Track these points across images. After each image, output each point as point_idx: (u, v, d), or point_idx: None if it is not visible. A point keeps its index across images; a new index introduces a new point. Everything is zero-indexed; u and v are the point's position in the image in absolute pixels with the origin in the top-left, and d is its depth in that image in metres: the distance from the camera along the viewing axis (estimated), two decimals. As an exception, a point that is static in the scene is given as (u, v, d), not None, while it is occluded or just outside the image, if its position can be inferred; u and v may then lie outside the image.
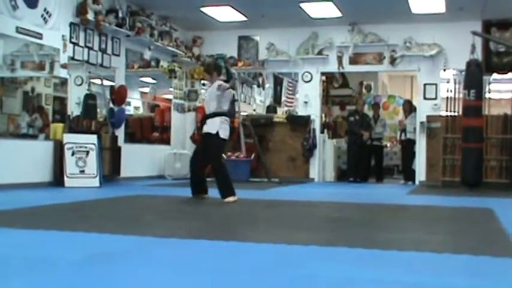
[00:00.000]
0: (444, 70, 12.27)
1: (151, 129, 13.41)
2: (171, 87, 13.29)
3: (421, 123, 12.25)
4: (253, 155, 12.10)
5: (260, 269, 3.23)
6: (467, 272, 3.30)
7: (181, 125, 13.33)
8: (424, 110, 12.30)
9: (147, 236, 4.24)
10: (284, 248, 3.90)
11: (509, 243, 4.27)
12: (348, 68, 12.89)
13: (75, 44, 9.89)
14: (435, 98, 12.23)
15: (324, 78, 13.69)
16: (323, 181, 12.80)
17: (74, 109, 10.48)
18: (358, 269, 3.27)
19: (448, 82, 12.60)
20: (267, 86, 15.62)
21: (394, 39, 12.35)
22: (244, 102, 15.33)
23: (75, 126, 10.00)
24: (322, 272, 3.16)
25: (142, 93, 16.60)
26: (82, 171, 9.29)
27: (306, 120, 12.78)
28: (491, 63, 11.89)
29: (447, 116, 12.10)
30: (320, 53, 12.83)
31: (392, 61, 12.44)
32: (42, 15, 9.12)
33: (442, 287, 2.89)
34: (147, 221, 5.38)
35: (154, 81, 15.16)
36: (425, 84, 12.34)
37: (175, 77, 13.07)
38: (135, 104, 15.81)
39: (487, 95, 11.89)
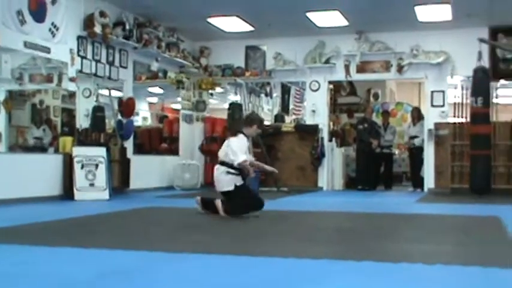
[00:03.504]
0: (451, 77, 12.27)
1: (160, 140, 13.47)
2: (178, 96, 13.35)
3: (429, 130, 12.24)
4: (261, 165, 12.08)
5: (271, 285, 3.24)
6: (476, 285, 3.31)
7: (190, 135, 13.38)
8: (431, 117, 12.30)
9: (158, 251, 4.26)
10: (295, 262, 3.91)
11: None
12: (356, 76, 12.92)
13: (82, 57, 9.96)
14: (443, 105, 12.23)
15: (331, 86, 13.70)
16: (332, 189, 12.80)
17: (82, 121, 10.52)
18: (368, 284, 3.28)
19: (455, 88, 12.59)
20: (274, 95, 15.65)
21: (401, 47, 12.38)
22: (252, 111, 15.35)
23: (84, 138, 10.05)
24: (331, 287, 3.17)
25: (150, 103, 16.65)
26: (92, 184, 9.33)
27: (314, 129, 12.81)
28: (498, 69, 11.89)
29: (455, 123, 12.09)
30: (327, 61, 12.85)
31: (400, 69, 12.45)
32: (49, 29, 9.19)
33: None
34: (157, 235, 5.41)
35: (162, 90, 15.21)
36: (432, 92, 12.35)
37: (183, 88, 13.12)
38: (143, 115, 15.86)
39: (495, 100, 11.89)
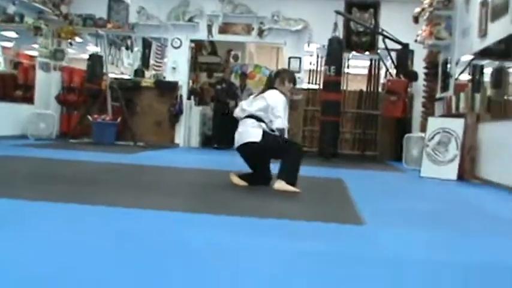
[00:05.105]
0: (308, 45, 12.86)
1: (14, 87, 13.01)
2: (35, 43, 12.92)
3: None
4: (119, 118, 12.12)
5: (128, 235, 3.41)
6: (317, 238, 3.69)
7: (46, 84, 13.03)
8: (287, 82, 12.81)
9: (18, 198, 4.30)
10: (153, 213, 4.12)
11: (354, 211, 4.76)
12: (217, 36, 13.19)
13: None
14: (299, 72, 12.79)
15: (193, 45, 13.86)
16: (188, 146, 13.06)
17: None
18: (221, 235, 3.55)
19: (311, 56, 13.23)
20: (135, 49, 15.56)
21: (263, 11, 12.76)
22: (112, 64, 15.18)
23: None
24: (187, 238, 3.42)
25: (3, 48, 15.92)
26: None
27: (173, 85, 12.96)
28: (351, 41, 12.63)
29: (308, 89, 12.73)
30: (190, 20, 12.99)
31: (260, 33, 12.85)
32: None
33: (293, 249, 3.25)
34: (17, 184, 5.38)
35: (17, 35, 14.60)
36: (290, 58, 12.87)
37: (41, 35, 12.72)
38: (-5, 59, 15.16)
39: (346, 70, 12.63)
